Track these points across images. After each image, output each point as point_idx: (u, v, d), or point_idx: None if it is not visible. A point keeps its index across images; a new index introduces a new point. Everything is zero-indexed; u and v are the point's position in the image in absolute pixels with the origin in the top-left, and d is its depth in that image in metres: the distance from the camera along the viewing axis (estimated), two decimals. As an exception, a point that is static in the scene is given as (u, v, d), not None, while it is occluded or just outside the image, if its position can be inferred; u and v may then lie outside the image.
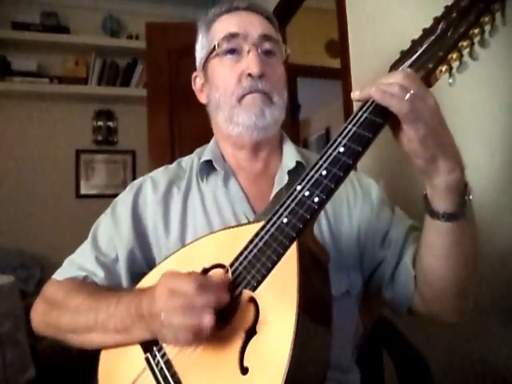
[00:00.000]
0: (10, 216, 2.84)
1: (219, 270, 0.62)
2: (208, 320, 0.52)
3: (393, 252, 0.78)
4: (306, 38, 3.02)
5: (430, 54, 0.56)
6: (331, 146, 0.58)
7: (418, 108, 0.53)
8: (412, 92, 0.53)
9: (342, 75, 1.64)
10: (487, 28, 0.54)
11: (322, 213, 0.81)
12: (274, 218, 0.60)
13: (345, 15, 1.62)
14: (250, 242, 0.60)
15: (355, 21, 1.58)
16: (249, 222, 0.66)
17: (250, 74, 0.77)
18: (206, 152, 0.87)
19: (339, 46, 1.68)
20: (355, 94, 0.58)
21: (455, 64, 0.56)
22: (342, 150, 0.57)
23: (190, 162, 0.90)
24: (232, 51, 0.80)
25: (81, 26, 3.12)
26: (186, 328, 0.54)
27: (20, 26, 2.91)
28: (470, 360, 1.03)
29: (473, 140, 1.02)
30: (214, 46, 0.81)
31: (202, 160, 0.85)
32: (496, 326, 0.98)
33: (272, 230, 0.59)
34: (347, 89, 1.59)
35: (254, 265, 0.59)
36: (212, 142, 0.91)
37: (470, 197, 0.60)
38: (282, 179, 0.82)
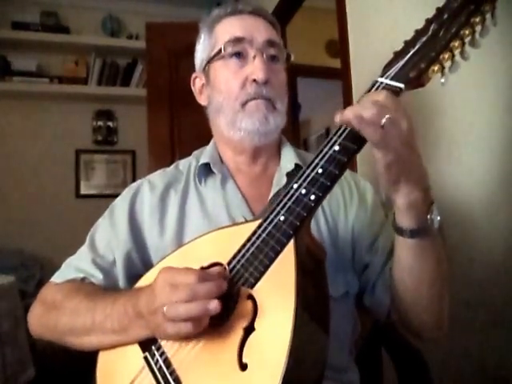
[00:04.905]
0: (10, 216, 2.84)
1: (217, 268, 0.62)
2: (214, 305, 0.54)
3: (380, 258, 0.78)
4: (305, 38, 3.01)
5: (422, 54, 0.57)
6: (327, 144, 0.59)
7: (391, 134, 0.53)
8: (388, 116, 0.52)
9: (342, 75, 1.64)
10: (478, 29, 0.55)
11: (321, 214, 0.81)
12: (271, 216, 0.60)
13: (345, 15, 1.62)
14: (248, 240, 0.61)
15: (355, 21, 1.58)
16: (245, 221, 0.66)
17: (254, 80, 0.77)
18: (204, 155, 0.87)
19: (339, 46, 1.68)
20: (337, 118, 0.56)
21: (447, 64, 0.56)
22: (337, 148, 0.58)
23: (187, 164, 0.89)
24: (237, 54, 0.80)
25: (81, 25, 3.12)
26: (192, 317, 0.55)
27: (20, 25, 2.91)
28: (468, 359, 1.04)
29: (465, 140, 1.01)
30: (220, 49, 0.80)
31: (200, 163, 0.85)
32: (495, 327, 0.98)
33: (269, 227, 0.60)
34: (347, 89, 1.59)
35: (252, 262, 0.59)
36: (211, 144, 0.91)
37: (434, 216, 0.60)
38: (279, 181, 0.82)
